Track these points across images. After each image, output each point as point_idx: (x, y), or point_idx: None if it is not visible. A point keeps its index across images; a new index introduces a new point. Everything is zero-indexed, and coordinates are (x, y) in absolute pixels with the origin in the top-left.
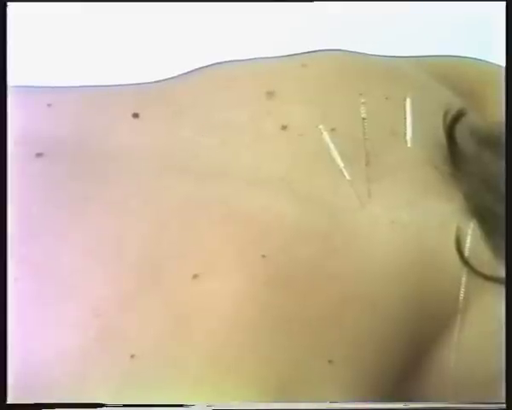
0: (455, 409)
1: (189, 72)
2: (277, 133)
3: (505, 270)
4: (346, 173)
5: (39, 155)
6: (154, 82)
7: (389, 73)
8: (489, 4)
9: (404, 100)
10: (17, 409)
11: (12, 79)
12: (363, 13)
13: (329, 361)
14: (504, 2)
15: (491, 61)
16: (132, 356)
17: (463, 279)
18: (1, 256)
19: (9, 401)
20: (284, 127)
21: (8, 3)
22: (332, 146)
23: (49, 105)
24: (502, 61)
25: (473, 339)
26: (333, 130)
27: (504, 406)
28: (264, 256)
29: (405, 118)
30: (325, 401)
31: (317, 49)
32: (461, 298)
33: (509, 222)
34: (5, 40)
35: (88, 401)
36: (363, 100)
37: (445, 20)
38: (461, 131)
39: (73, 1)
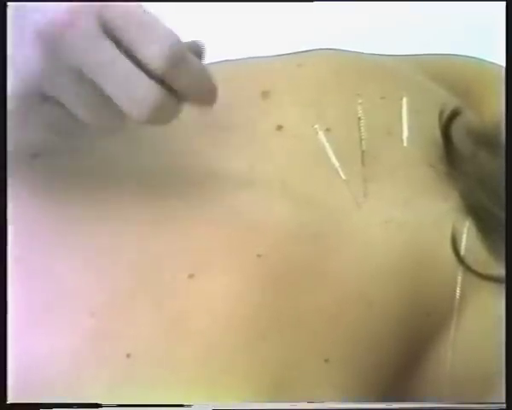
0: (454, 409)
1: None
2: (273, 133)
3: (505, 270)
4: (341, 173)
5: (36, 155)
6: None
7: (385, 73)
8: (489, 4)
9: (400, 99)
10: (17, 409)
11: None
12: (362, 13)
13: (326, 360)
14: (504, 2)
15: (490, 61)
16: (128, 356)
17: (459, 278)
18: (1, 257)
19: (9, 400)
20: (279, 127)
21: (8, 3)
22: (327, 146)
23: None
24: (502, 61)
25: (469, 337)
26: (328, 130)
27: (504, 406)
28: (259, 256)
29: (401, 117)
30: (322, 401)
31: (314, 48)
32: (457, 297)
33: (509, 222)
34: (5, 40)
35: (84, 401)
36: (360, 100)
37: (444, 20)
38: (457, 131)
39: (74, 1)
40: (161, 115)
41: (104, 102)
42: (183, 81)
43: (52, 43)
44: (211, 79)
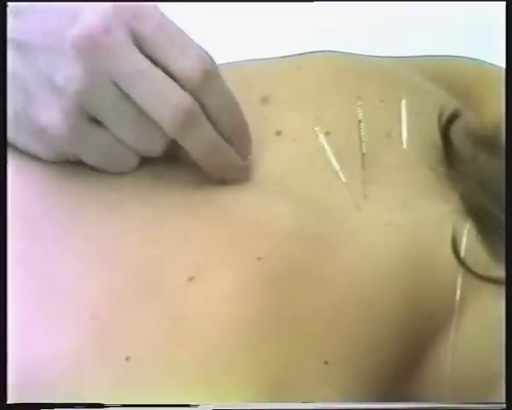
0: (455, 409)
1: None
2: (273, 137)
3: (505, 270)
4: (341, 176)
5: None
6: None
7: (384, 75)
8: (489, 4)
9: (400, 102)
10: (17, 409)
11: None
12: (362, 13)
13: (325, 362)
14: (504, 3)
15: (491, 61)
16: (127, 358)
17: (459, 280)
18: (1, 256)
19: (9, 401)
20: (279, 133)
21: (8, 3)
22: (327, 149)
23: None
24: (502, 61)
25: (469, 339)
26: (328, 133)
27: (504, 406)
28: (259, 259)
29: (401, 119)
30: (322, 402)
31: (313, 50)
32: (457, 298)
33: (509, 222)
34: (5, 40)
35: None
36: (360, 103)
37: (444, 20)
38: (457, 132)
39: (74, 1)
40: (193, 126)
41: (145, 121)
42: (213, 99)
43: (90, 56)
44: (241, 112)
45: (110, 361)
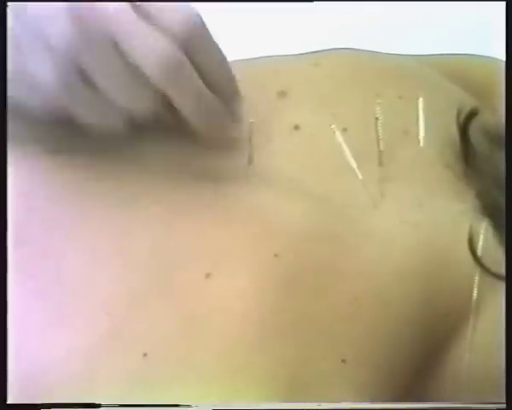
0: (455, 409)
1: None
2: (289, 133)
3: (505, 270)
4: (358, 173)
5: (56, 152)
6: None
7: (402, 72)
8: (489, 4)
9: (417, 99)
10: (17, 409)
11: None
12: (362, 12)
13: (343, 361)
14: (504, 2)
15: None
16: (145, 355)
17: (476, 278)
18: (1, 256)
19: (15, 400)
20: (296, 127)
21: (8, 3)
22: (344, 146)
23: None
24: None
25: (486, 338)
26: (345, 130)
27: (504, 406)
28: (276, 256)
29: (418, 117)
30: (338, 401)
31: (327, 48)
32: (474, 297)
33: (508, 222)
34: (5, 40)
35: (99, 401)
36: (379, 100)
37: (444, 19)
38: (473, 130)
39: (74, 1)
40: (179, 75)
41: (134, 77)
42: (201, 55)
43: (82, 15)
44: (229, 68)
45: (126, 358)
